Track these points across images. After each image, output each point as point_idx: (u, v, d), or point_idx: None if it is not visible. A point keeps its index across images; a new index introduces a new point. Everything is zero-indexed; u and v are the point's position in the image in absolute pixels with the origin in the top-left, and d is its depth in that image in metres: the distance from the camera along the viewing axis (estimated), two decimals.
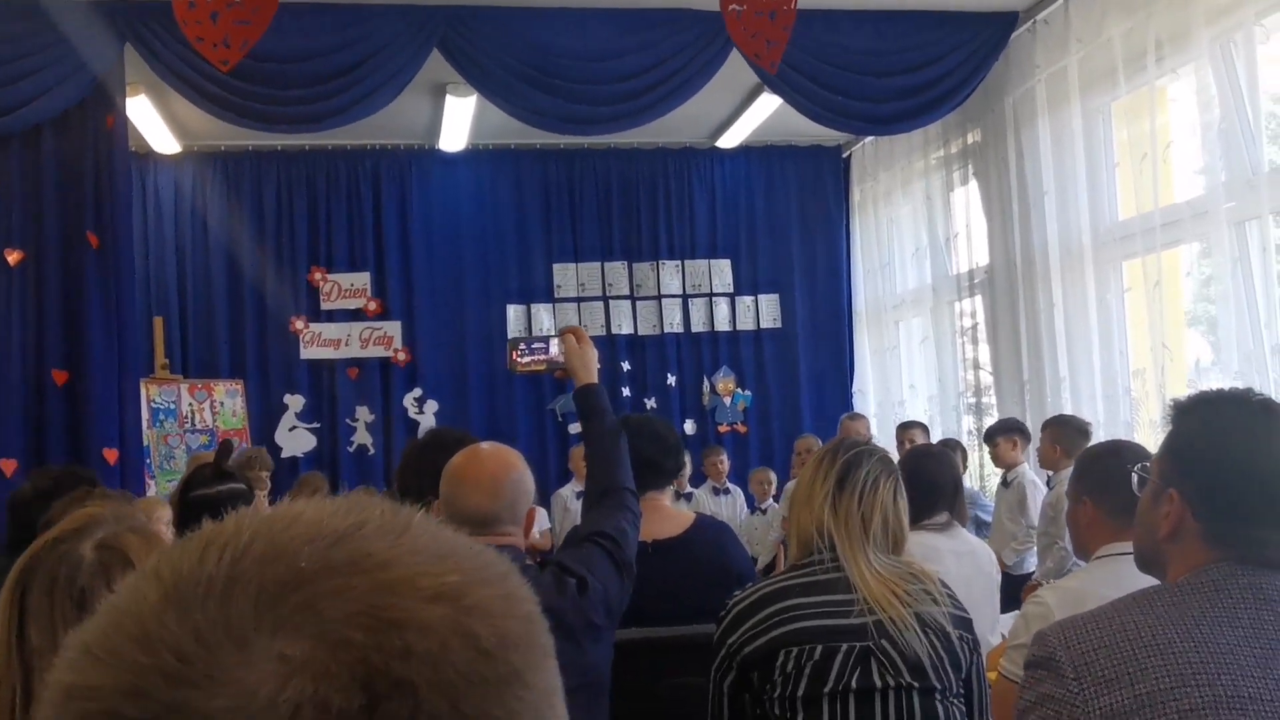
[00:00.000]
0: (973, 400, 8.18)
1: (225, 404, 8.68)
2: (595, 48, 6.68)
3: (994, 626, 3.67)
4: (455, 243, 9.45)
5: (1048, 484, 5.93)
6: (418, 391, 9.33)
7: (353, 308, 9.31)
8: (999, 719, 2.47)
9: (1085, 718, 1.51)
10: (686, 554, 3.24)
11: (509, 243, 9.54)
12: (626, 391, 9.54)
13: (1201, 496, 1.66)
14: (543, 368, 2.98)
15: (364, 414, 9.22)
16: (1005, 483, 6.39)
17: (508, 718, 0.54)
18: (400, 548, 0.56)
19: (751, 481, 8.19)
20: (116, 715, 0.50)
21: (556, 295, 9.58)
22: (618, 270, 9.69)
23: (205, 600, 0.52)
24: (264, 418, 9.04)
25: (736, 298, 9.86)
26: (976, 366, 8.10)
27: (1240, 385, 1.83)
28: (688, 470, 7.97)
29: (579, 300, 9.59)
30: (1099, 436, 5.91)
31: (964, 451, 6.67)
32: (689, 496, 7.90)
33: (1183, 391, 5.93)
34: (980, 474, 7.73)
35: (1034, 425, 6.41)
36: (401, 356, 9.32)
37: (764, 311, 9.88)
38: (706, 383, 9.80)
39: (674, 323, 9.74)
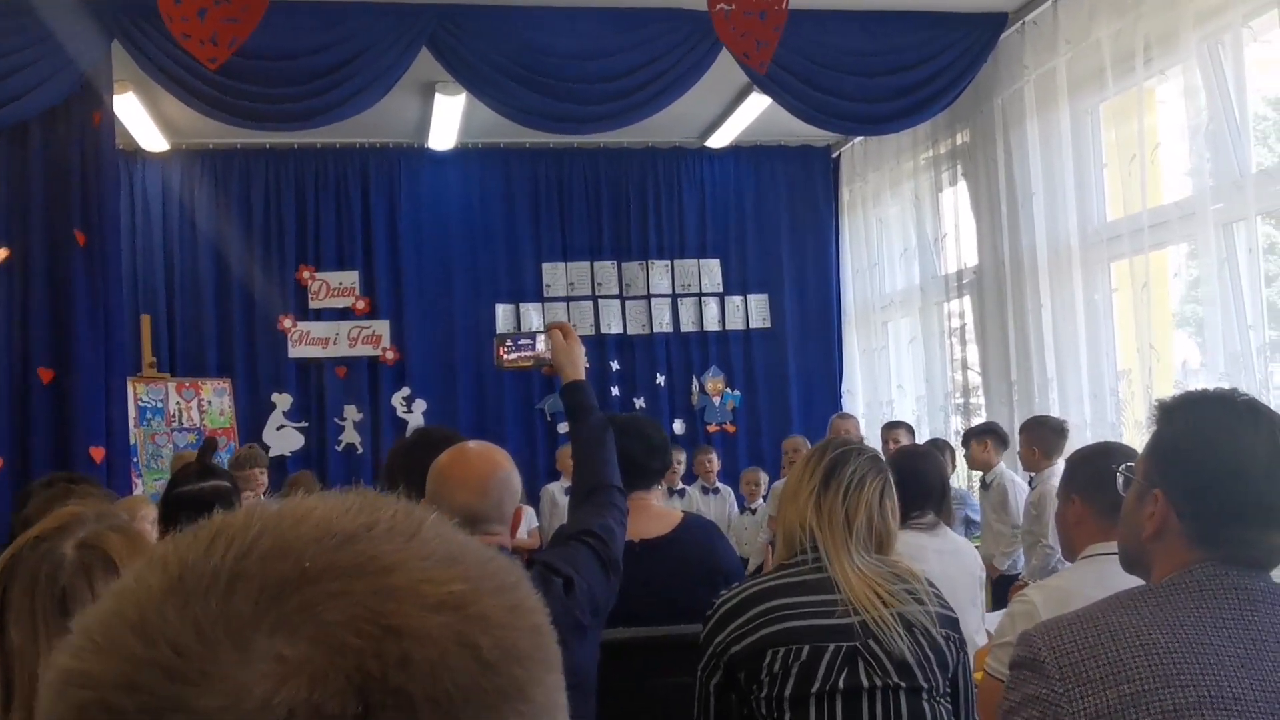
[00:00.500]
0: (960, 401, 8.19)
1: (213, 403, 8.66)
2: (585, 46, 6.67)
3: (980, 626, 3.68)
4: (444, 241, 9.44)
5: (1029, 484, 5.95)
6: (406, 390, 9.31)
7: (341, 306, 9.29)
8: (985, 718, 2.47)
9: (1070, 718, 1.51)
10: (674, 553, 3.23)
11: (498, 242, 9.53)
12: (615, 391, 9.54)
13: (1186, 497, 1.66)
14: (530, 364, 2.97)
15: (352, 413, 9.20)
16: (985, 484, 6.42)
17: None
18: (408, 552, 0.55)
19: (742, 482, 8.20)
20: (111, 707, 0.50)
21: (546, 294, 9.57)
22: (607, 270, 9.68)
23: (207, 594, 0.52)
24: (252, 416, 9.02)
25: (726, 297, 9.86)
26: (965, 367, 8.11)
27: (1226, 386, 1.83)
28: (681, 468, 7.99)
29: (568, 300, 9.58)
30: (1085, 437, 5.93)
31: (952, 451, 6.69)
32: (681, 493, 7.90)
33: (1169, 393, 5.94)
34: (968, 474, 7.74)
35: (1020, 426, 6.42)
36: (390, 355, 9.31)
37: (753, 311, 9.89)
38: (695, 382, 9.80)
39: (663, 322, 9.74)
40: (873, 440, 7.74)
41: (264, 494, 6.34)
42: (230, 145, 8.90)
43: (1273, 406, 1.74)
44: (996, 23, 7.02)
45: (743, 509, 8.09)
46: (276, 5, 5.90)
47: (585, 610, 2.41)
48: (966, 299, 7.96)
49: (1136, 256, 5.91)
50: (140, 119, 7.88)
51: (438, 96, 7.78)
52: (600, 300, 9.65)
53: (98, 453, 6.27)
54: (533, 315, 9.45)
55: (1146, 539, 1.72)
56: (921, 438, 7.61)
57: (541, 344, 2.90)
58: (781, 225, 9.95)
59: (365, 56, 6.41)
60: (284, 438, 9.08)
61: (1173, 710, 1.47)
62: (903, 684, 2.33)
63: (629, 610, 2.86)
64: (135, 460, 7.79)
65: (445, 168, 9.39)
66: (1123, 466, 1.91)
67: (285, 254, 9.22)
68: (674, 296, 9.78)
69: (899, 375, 9.13)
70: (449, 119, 8.31)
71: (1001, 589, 5.70)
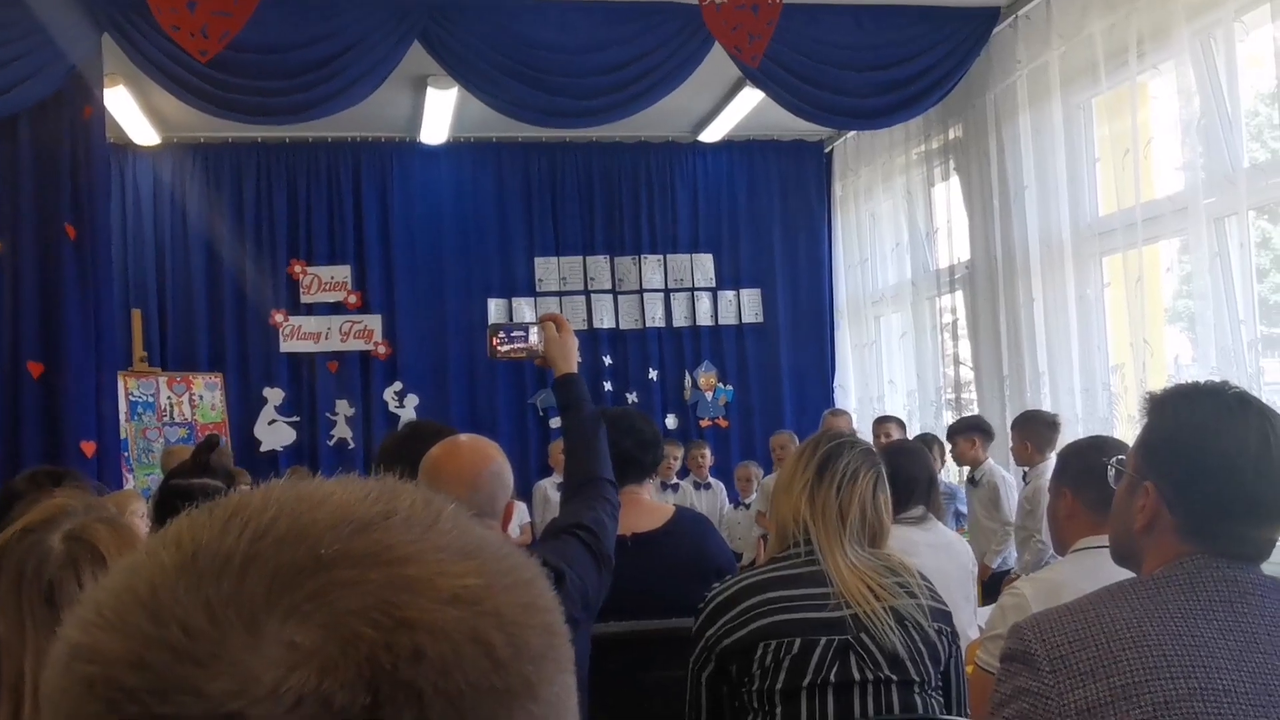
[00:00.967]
0: (952, 396, 8.20)
1: (204, 397, 8.65)
2: (577, 40, 6.66)
3: (972, 620, 3.68)
4: (436, 236, 9.43)
5: (1023, 479, 5.94)
6: (398, 385, 9.30)
7: (333, 301, 9.27)
8: (976, 711, 2.48)
9: (1061, 711, 1.51)
10: (666, 547, 3.23)
11: (490, 236, 9.52)
12: (608, 386, 9.54)
13: (1177, 489, 1.66)
14: (523, 355, 2.95)
15: (344, 408, 9.19)
16: (974, 481, 6.41)
17: None
18: (425, 542, 0.54)
19: (736, 476, 8.20)
20: (117, 683, 0.49)
21: (538, 289, 9.56)
22: (600, 264, 9.68)
23: (221, 575, 0.51)
24: (243, 411, 9.01)
25: (718, 292, 9.86)
26: (957, 361, 8.12)
27: (1217, 379, 1.83)
28: (677, 463, 7.99)
29: (560, 294, 9.58)
30: (1077, 431, 5.93)
31: (940, 446, 6.68)
32: (675, 488, 7.90)
33: (1162, 387, 5.96)
34: (959, 469, 7.75)
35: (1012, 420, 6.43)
36: (382, 350, 9.29)
37: (746, 306, 9.89)
38: (688, 377, 9.80)
39: (656, 317, 9.73)
40: (864, 435, 7.75)
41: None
42: (221, 139, 8.88)
43: (1264, 401, 1.74)
44: (989, 17, 7.02)
45: (735, 503, 8.10)
46: None
47: (577, 604, 2.40)
48: (958, 294, 7.97)
49: (1129, 251, 5.91)
50: (131, 112, 7.86)
51: (430, 90, 7.77)
52: (593, 295, 9.64)
53: (88, 447, 6.26)
54: (525, 310, 9.44)
55: (1137, 532, 1.72)
56: (913, 433, 7.61)
57: (534, 336, 2.89)
58: (774, 220, 9.95)
59: (357, 50, 6.39)
60: (275, 432, 9.06)
61: (1163, 702, 1.47)
62: (894, 677, 2.33)
63: (621, 604, 2.86)
64: (126, 455, 7.77)
65: (437, 162, 9.38)
66: (1114, 460, 1.91)
67: (277, 248, 9.20)
68: (667, 291, 9.78)
69: (890, 370, 9.14)
70: (441, 113, 8.29)
71: (993, 585, 5.70)
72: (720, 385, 9.81)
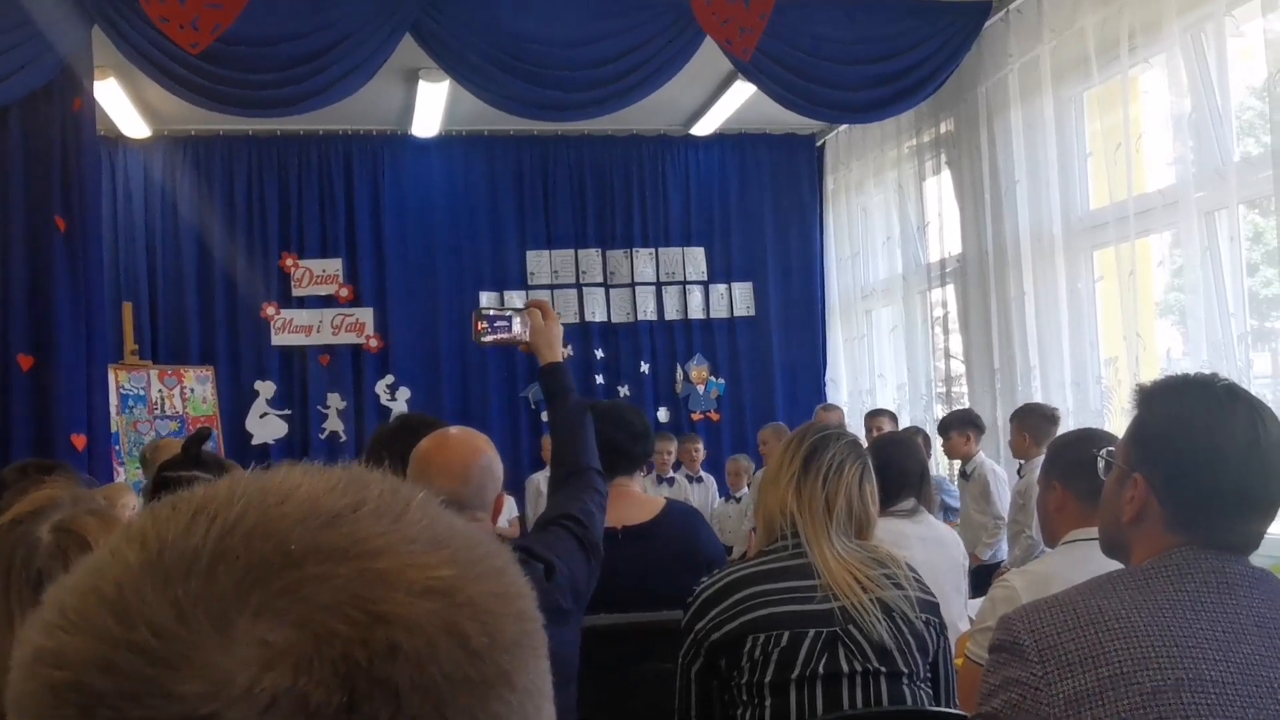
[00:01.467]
0: (943, 389, 8.21)
1: (195, 390, 8.63)
2: (569, 33, 6.65)
3: (963, 612, 3.69)
4: (428, 229, 9.41)
5: (1018, 473, 5.95)
6: (390, 378, 9.29)
7: (324, 294, 9.26)
8: (965, 702, 2.48)
9: (1049, 701, 1.51)
10: (657, 540, 3.23)
11: (482, 229, 9.51)
12: (600, 379, 9.54)
13: (1166, 481, 1.67)
14: (508, 343, 2.93)
15: (335, 401, 9.18)
16: (965, 475, 6.42)
17: None
18: (395, 534, 0.53)
19: (728, 469, 8.21)
20: (85, 688, 0.48)
21: (530, 282, 9.55)
22: (591, 257, 9.67)
23: (189, 573, 0.50)
24: (234, 404, 9.00)
25: (710, 285, 9.86)
26: (948, 355, 8.13)
27: (1207, 372, 1.84)
28: (672, 457, 8.00)
29: (552, 287, 9.56)
30: (1068, 424, 5.94)
31: (926, 438, 6.70)
32: (670, 481, 7.91)
33: (1153, 379, 5.97)
34: (949, 462, 7.76)
35: (1005, 414, 6.45)
36: (374, 343, 9.28)
37: (737, 299, 9.89)
38: (680, 370, 9.80)
39: (647, 310, 9.73)
40: (856, 429, 7.76)
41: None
42: (212, 132, 8.86)
43: (1252, 394, 1.74)
44: (980, 11, 7.03)
45: (727, 497, 8.10)
46: None
47: (566, 595, 2.40)
48: (950, 287, 7.98)
49: (1121, 245, 5.92)
50: (122, 105, 7.84)
51: (421, 83, 7.75)
52: (584, 288, 9.63)
53: (79, 440, 6.24)
54: (517, 302, 9.41)
55: (1126, 523, 1.72)
56: (904, 427, 7.62)
57: (518, 325, 2.87)
58: (766, 213, 9.95)
59: (348, 43, 6.38)
60: (267, 425, 9.05)
61: (1151, 692, 1.48)
62: (883, 669, 2.34)
63: (611, 596, 2.86)
64: (117, 448, 7.76)
65: (429, 155, 9.36)
66: (1104, 451, 1.91)
67: (268, 241, 9.18)
68: (658, 284, 9.77)
69: (880, 364, 9.15)
70: (433, 106, 8.28)
71: (983, 578, 5.71)
72: (712, 378, 9.81)
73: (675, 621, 2.57)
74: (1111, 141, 6.11)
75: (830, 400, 9.40)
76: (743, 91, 7.99)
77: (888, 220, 8.91)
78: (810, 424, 2.68)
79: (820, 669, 2.32)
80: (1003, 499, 6.09)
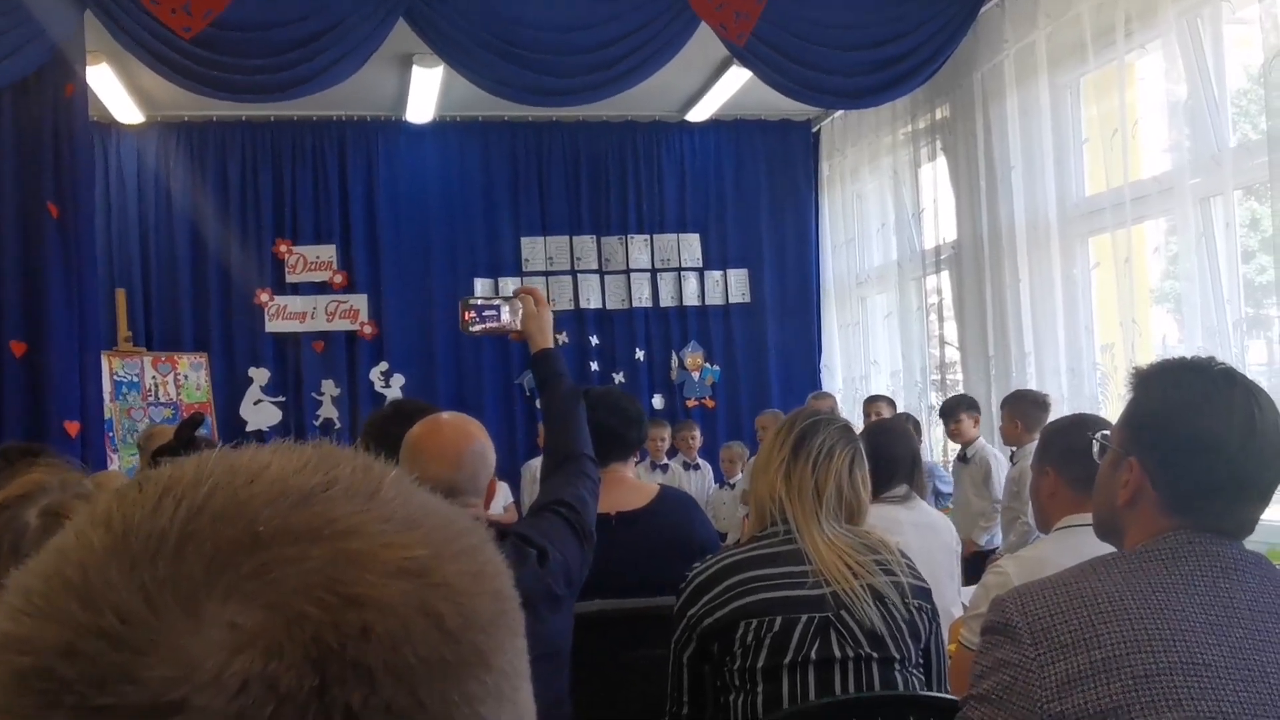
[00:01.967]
0: (937, 376, 8.21)
1: (189, 377, 8.62)
2: (563, 18, 6.63)
3: (955, 598, 3.69)
4: (422, 215, 9.39)
5: (1010, 459, 5.96)
6: (384, 365, 9.28)
7: (318, 280, 9.24)
8: (957, 687, 2.48)
9: (1041, 683, 1.51)
10: (650, 526, 3.23)
11: (476, 215, 9.49)
12: (595, 366, 9.53)
13: (1160, 465, 1.66)
14: (498, 332, 2.91)
15: (330, 388, 9.17)
16: (964, 458, 6.42)
17: (465, 702, 0.51)
18: (368, 514, 0.52)
19: (721, 456, 8.21)
20: (50, 674, 0.47)
21: (524, 269, 9.54)
22: (586, 244, 9.65)
23: (155, 556, 0.49)
24: (228, 391, 8.98)
25: (705, 272, 9.85)
26: (943, 342, 8.13)
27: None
28: (666, 443, 7.99)
29: (547, 274, 9.55)
30: (1062, 411, 5.94)
31: (916, 424, 6.70)
32: (665, 468, 7.91)
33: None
34: (943, 448, 7.77)
35: (999, 400, 6.44)
36: (368, 330, 9.27)
37: (733, 286, 9.88)
38: (675, 357, 9.79)
39: (642, 297, 9.72)
40: (853, 416, 7.77)
41: None
42: (206, 118, 8.83)
43: (1249, 378, 1.74)
44: None
45: (721, 483, 8.10)
46: None
47: (560, 581, 2.40)
48: (945, 274, 7.97)
49: (1117, 231, 5.91)
50: (115, 91, 7.81)
51: (415, 69, 7.73)
52: (579, 275, 9.62)
53: (72, 427, 6.23)
54: (511, 289, 9.39)
55: (1121, 506, 1.72)
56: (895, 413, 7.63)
57: (507, 314, 2.86)
58: (761, 200, 9.94)
59: (342, 27, 6.35)
60: (261, 412, 9.04)
61: (1144, 675, 1.47)
62: (875, 654, 2.34)
63: (604, 582, 2.86)
64: (111, 435, 7.75)
65: (423, 141, 9.34)
66: (1098, 434, 1.91)
67: (262, 227, 9.16)
68: (653, 271, 9.76)
69: (875, 350, 9.15)
70: (427, 91, 8.25)
71: (976, 564, 5.72)
72: (707, 365, 9.80)
73: (668, 608, 2.57)
74: (1108, 127, 6.10)
75: (825, 387, 9.40)
76: (738, 77, 7.97)
77: (883, 206, 8.90)
78: (801, 410, 2.67)
79: (813, 654, 2.31)
80: (1002, 483, 6.09)
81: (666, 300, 9.77)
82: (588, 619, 2.78)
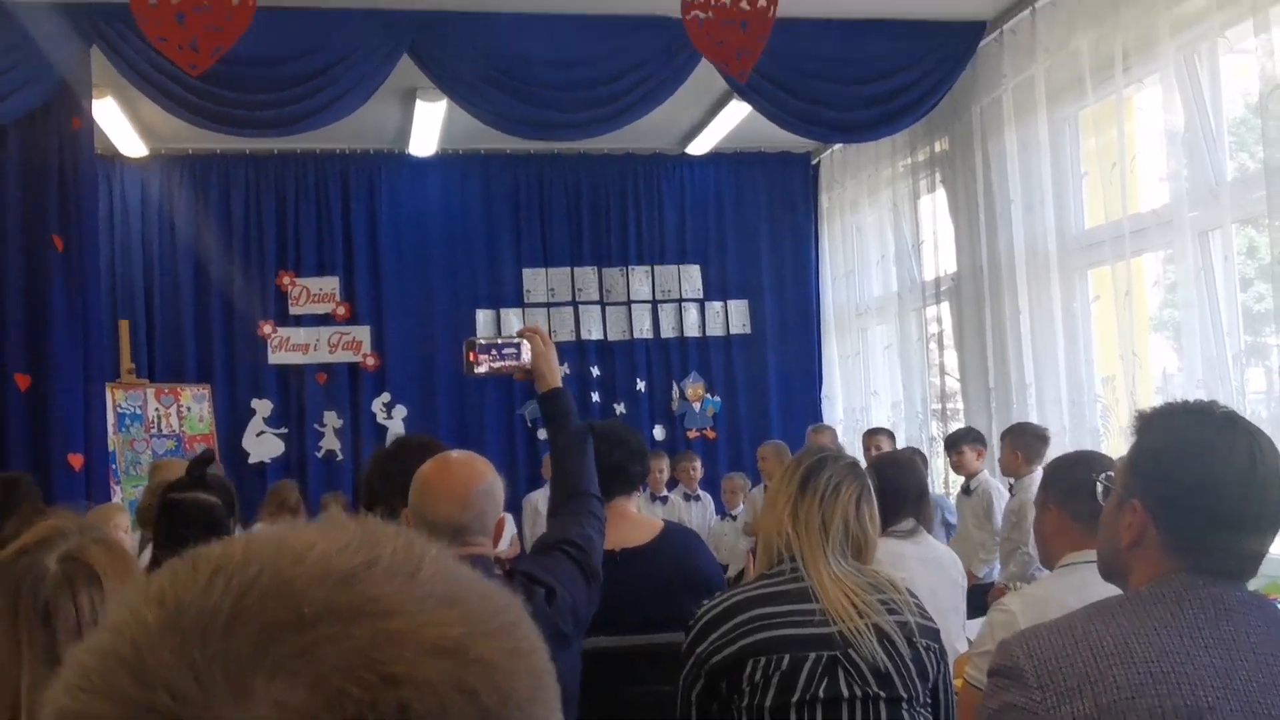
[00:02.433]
0: (938, 407, 8.22)
1: (192, 409, 8.63)
2: (565, 54, 6.68)
3: (960, 632, 3.69)
4: (424, 247, 9.42)
5: (1009, 490, 5.96)
6: (386, 396, 9.30)
7: (321, 312, 9.26)
8: None
9: None
10: (655, 562, 3.23)
11: (478, 247, 9.52)
12: (596, 397, 9.54)
13: (1164, 507, 1.68)
14: (507, 372, 2.92)
15: (332, 419, 9.18)
16: (967, 490, 6.42)
17: None
18: (408, 593, 0.54)
19: (723, 487, 8.21)
20: None
21: (526, 300, 9.57)
22: (587, 275, 9.68)
23: (206, 634, 0.51)
24: (231, 423, 8.99)
25: (706, 303, 9.88)
26: (943, 373, 8.14)
27: (1204, 393, 1.86)
28: (665, 474, 8.00)
29: (548, 305, 9.58)
30: (1064, 443, 5.96)
31: (923, 457, 6.69)
32: (664, 499, 7.91)
33: (1152, 399, 5.99)
34: (945, 480, 7.77)
35: (999, 432, 6.45)
36: (370, 361, 9.29)
37: (733, 317, 9.90)
38: (676, 388, 9.81)
39: (643, 328, 9.74)
40: (853, 447, 7.78)
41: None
42: (210, 150, 8.88)
43: (1248, 413, 1.76)
44: (975, 31, 7.06)
45: (723, 515, 8.10)
46: (258, 10, 5.86)
47: (568, 620, 2.41)
48: (945, 305, 8.00)
49: (1117, 263, 5.94)
50: (119, 124, 7.85)
51: (419, 102, 7.77)
52: (581, 306, 9.65)
53: (76, 460, 6.24)
54: (513, 320, 9.44)
55: (1124, 548, 1.73)
56: (900, 444, 7.63)
57: (526, 353, 2.88)
58: (761, 231, 9.98)
59: (347, 63, 6.40)
60: (264, 444, 9.05)
61: (1149, 718, 1.49)
62: (882, 693, 2.34)
63: (610, 618, 2.87)
64: (114, 467, 7.75)
65: (426, 173, 9.38)
66: (1102, 476, 1.93)
67: (265, 259, 9.20)
68: (654, 302, 9.79)
69: (875, 382, 9.16)
70: (430, 125, 8.30)
71: (978, 597, 5.72)
72: (708, 396, 9.82)
73: (674, 644, 2.58)
74: (1106, 160, 6.13)
75: (826, 417, 9.41)
76: (738, 110, 8.02)
77: (882, 238, 8.93)
78: (808, 448, 2.69)
79: (820, 693, 2.32)
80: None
81: (667, 331, 9.79)
82: (592, 655, 2.79)
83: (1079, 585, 2.35)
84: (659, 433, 9.64)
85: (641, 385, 9.72)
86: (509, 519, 7.49)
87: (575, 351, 9.45)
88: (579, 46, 6.68)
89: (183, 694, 0.50)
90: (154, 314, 9.02)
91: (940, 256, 8.01)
